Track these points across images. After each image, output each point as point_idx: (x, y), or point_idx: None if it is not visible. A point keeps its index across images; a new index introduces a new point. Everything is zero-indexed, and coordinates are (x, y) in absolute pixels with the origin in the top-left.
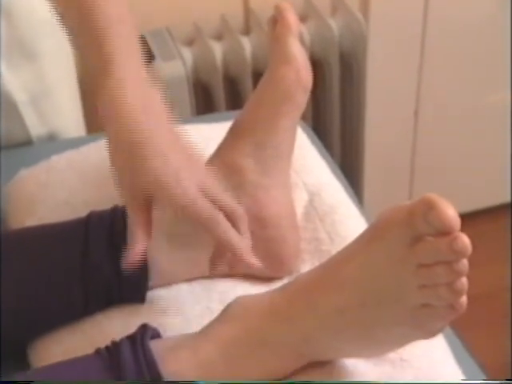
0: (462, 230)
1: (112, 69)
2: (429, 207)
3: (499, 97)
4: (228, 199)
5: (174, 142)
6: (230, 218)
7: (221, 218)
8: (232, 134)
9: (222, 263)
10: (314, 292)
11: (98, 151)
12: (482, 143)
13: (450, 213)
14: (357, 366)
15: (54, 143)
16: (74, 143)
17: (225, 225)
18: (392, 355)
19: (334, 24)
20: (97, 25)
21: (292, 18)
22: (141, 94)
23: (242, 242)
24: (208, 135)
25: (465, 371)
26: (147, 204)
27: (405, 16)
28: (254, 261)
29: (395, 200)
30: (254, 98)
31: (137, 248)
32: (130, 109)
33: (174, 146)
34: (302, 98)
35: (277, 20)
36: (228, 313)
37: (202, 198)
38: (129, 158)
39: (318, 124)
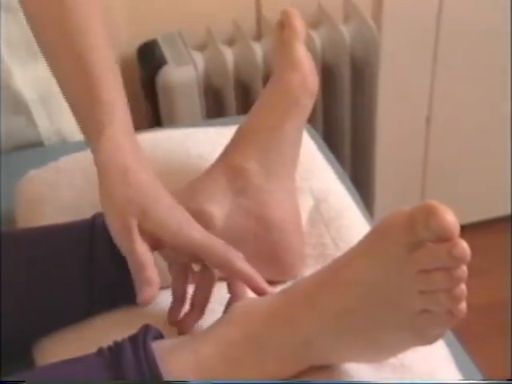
0: (469, 239)
1: (103, 137)
2: (429, 213)
3: (510, 105)
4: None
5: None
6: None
7: (234, 252)
8: (237, 137)
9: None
10: (315, 295)
11: None
12: (493, 152)
13: (450, 219)
14: (357, 370)
15: (63, 145)
16: (83, 145)
17: (238, 258)
18: (392, 360)
19: (346, 31)
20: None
21: (299, 23)
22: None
23: (255, 272)
24: (215, 139)
25: (466, 377)
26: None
27: (418, 23)
28: (270, 289)
29: (408, 205)
30: (260, 103)
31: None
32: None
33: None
34: (307, 103)
35: (284, 25)
36: (229, 315)
37: (211, 236)
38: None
39: (329, 130)
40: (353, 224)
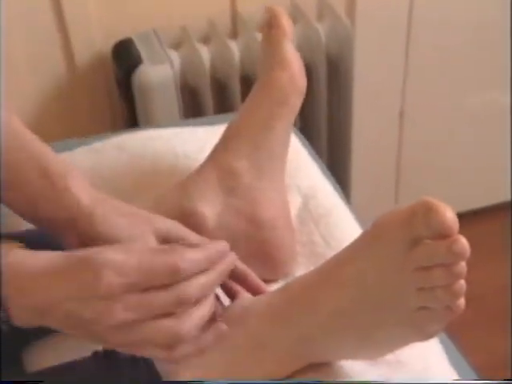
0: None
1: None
2: (428, 210)
3: (481, 98)
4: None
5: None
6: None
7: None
8: (226, 136)
9: None
10: (313, 294)
11: (90, 154)
12: (464, 143)
13: (449, 215)
14: (353, 367)
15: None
16: (67, 146)
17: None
18: (388, 357)
19: (321, 28)
20: None
21: (286, 22)
22: None
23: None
24: (202, 138)
25: (459, 373)
26: None
27: (390, 19)
28: (265, 287)
29: (382, 200)
30: (249, 101)
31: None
32: None
33: None
34: (296, 102)
35: (271, 24)
36: (227, 315)
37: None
38: None
39: (305, 127)
40: (341, 221)
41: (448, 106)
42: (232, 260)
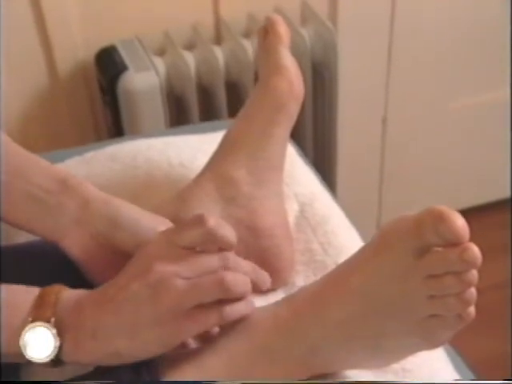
0: None
1: None
2: (438, 218)
3: (462, 103)
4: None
5: None
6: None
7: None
8: (225, 144)
9: None
10: (320, 303)
11: (82, 165)
12: (447, 147)
13: (460, 223)
14: (359, 376)
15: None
16: (59, 157)
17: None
18: (394, 365)
19: (306, 33)
20: None
21: (283, 29)
22: None
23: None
24: (196, 146)
25: (462, 377)
26: None
27: (372, 24)
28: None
29: (366, 205)
30: (246, 109)
31: None
32: None
33: None
34: (294, 109)
35: (267, 31)
36: (233, 326)
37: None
38: None
39: (291, 133)
40: (339, 228)
41: (431, 110)
42: None
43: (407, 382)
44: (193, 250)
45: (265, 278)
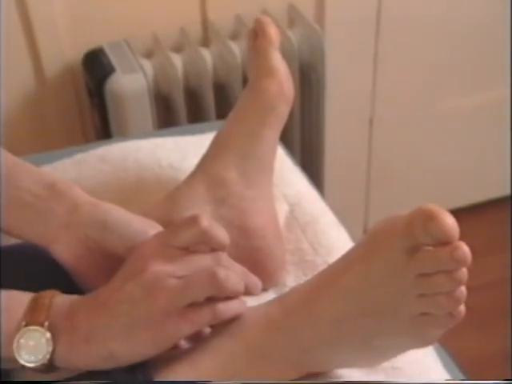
0: None
1: None
2: (428, 217)
3: (450, 103)
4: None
5: None
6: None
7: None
8: (215, 146)
9: None
10: (312, 303)
11: (72, 167)
12: (434, 148)
13: (450, 222)
14: (350, 375)
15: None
16: (48, 158)
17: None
18: (384, 364)
19: (293, 35)
20: None
21: (273, 30)
22: None
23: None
24: (185, 148)
25: (452, 376)
26: None
27: (358, 25)
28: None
29: (353, 205)
30: (237, 111)
31: None
32: None
33: None
34: (284, 110)
35: (257, 33)
36: (225, 326)
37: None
38: None
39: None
40: (329, 227)
41: (417, 111)
42: None
43: (404, 381)
44: (186, 250)
45: (256, 282)
